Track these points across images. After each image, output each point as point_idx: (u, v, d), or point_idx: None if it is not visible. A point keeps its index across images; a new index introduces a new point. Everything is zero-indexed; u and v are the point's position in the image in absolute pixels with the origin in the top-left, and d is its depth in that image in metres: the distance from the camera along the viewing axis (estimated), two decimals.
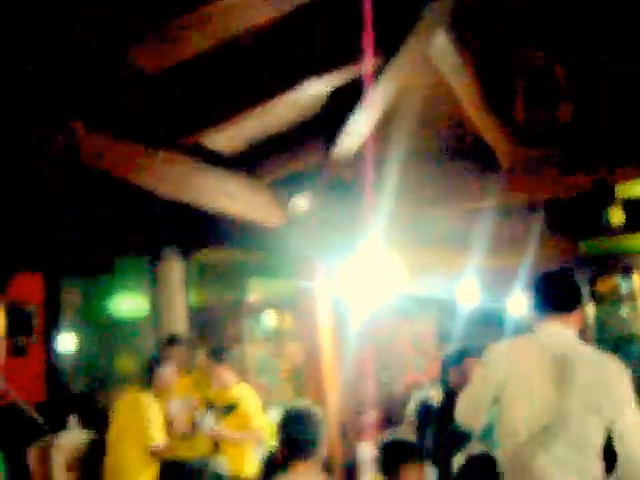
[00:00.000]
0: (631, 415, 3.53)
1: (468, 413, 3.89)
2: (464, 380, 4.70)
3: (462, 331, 9.32)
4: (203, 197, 5.82)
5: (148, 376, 6.50)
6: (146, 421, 6.24)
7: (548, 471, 3.52)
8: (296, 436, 3.86)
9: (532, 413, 3.60)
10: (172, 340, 7.34)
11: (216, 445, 6.81)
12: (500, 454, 3.77)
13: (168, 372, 6.52)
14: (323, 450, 3.87)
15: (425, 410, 5.36)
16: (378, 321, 8.91)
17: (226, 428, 6.71)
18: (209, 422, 6.61)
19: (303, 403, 4.59)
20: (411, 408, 7.36)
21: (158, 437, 6.23)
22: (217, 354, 6.94)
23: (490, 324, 9.61)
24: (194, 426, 6.51)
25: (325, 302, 7.37)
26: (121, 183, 5.11)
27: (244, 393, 6.91)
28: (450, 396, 5.00)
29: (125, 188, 5.25)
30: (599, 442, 3.55)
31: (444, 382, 5.14)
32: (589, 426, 3.53)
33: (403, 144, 5.89)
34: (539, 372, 3.62)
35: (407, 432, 5.45)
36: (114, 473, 6.39)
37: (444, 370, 5.12)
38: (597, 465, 3.55)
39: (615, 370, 3.62)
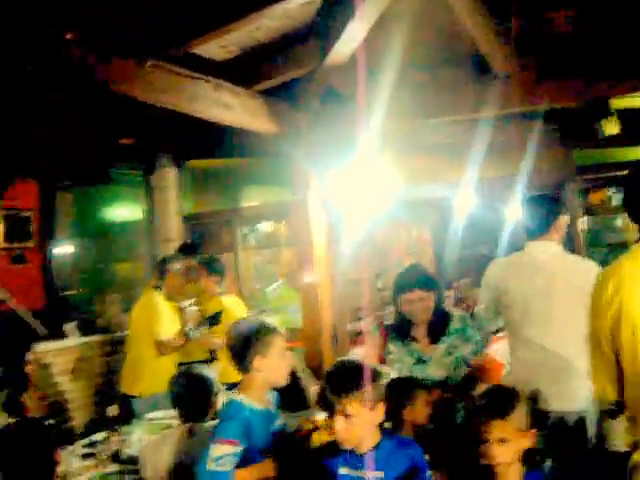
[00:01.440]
0: None
1: (485, 316, 4.79)
2: (412, 309, 4.50)
3: (458, 238, 9.38)
4: (197, 106, 5.79)
5: (158, 277, 6.71)
6: (153, 317, 6.48)
7: (545, 362, 4.36)
8: (232, 350, 3.81)
9: (528, 315, 4.45)
10: (186, 248, 7.49)
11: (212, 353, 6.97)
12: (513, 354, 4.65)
13: (179, 273, 6.71)
14: (249, 362, 3.72)
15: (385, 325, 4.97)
16: (373, 228, 8.97)
17: (214, 336, 6.82)
18: (198, 330, 6.75)
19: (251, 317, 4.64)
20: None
21: (162, 332, 6.46)
22: (206, 264, 7.04)
23: (485, 232, 9.65)
24: (185, 334, 6.64)
25: (319, 209, 7.41)
26: (115, 94, 5.09)
27: (230, 302, 7.02)
28: (402, 319, 4.64)
29: (119, 98, 5.23)
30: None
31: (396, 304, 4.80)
32: (575, 323, 3.86)
33: (397, 53, 5.82)
34: (529, 281, 4.45)
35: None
36: (131, 371, 6.65)
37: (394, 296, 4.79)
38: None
39: (593, 271, 4.03)
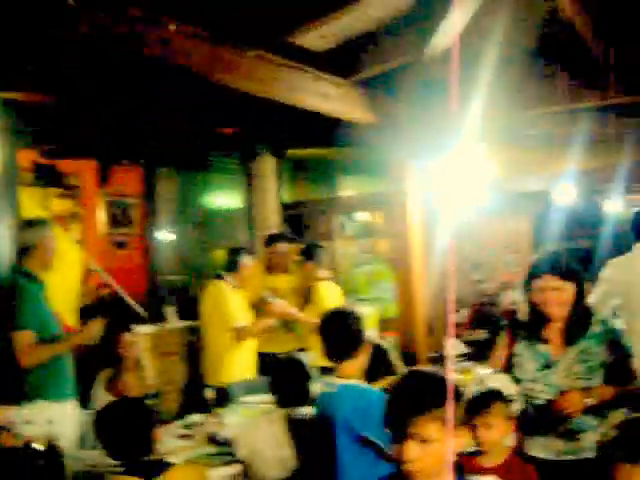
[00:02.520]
0: None
1: (597, 306, 4.97)
2: (543, 299, 3.92)
3: (557, 231, 9.26)
4: (295, 95, 5.85)
5: (229, 265, 6.85)
6: (224, 306, 6.62)
7: None
8: (330, 338, 3.94)
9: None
10: (271, 238, 7.63)
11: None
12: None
13: (247, 263, 6.84)
14: (362, 349, 3.88)
15: (513, 322, 4.52)
16: (471, 220, 8.92)
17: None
18: (280, 302, 6.86)
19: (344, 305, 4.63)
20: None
21: (237, 319, 6.58)
22: (307, 251, 7.16)
23: (585, 225, 9.50)
24: (263, 302, 6.81)
25: (416, 200, 7.40)
26: (215, 82, 5.20)
27: (325, 287, 7.13)
28: (534, 314, 4.02)
29: (219, 87, 5.33)
30: None
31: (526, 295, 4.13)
32: None
33: (496, 43, 5.77)
34: None
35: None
36: (206, 357, 6.83)
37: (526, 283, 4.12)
38: None
39: None
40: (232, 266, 6.80)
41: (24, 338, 4.78)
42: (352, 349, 3.88)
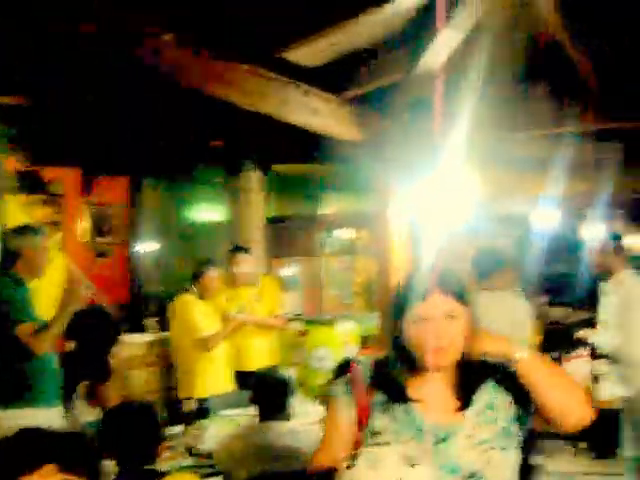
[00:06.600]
0: None
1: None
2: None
3: (538, 254, 9.29)
4: (285, 110, 5.87)
5: (194, 276, 6.90)
6: (189, 317, 6.65)
7: None
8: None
9: None
10: (235, 249, 7.60)
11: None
12: None
13: (211, 274, 6.87)
14: None
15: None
16: (453, 241, 8.94)
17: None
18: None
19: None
20: None
21: (202, 330, 6.59)
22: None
23: (564, 250, 9.54)
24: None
25: (400, 220, 7.41)
26: (204, 94, 5.21)
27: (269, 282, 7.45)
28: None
29: (208, 99, 5.35)
30: None
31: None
32: None
33: (484, 66, 5.82)
34: None
35: None
36: (179, 370, 6.86)
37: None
38: None
39: None
40: (196, 277, 6.82)
41: (28, 328, 4.73)
42: None
